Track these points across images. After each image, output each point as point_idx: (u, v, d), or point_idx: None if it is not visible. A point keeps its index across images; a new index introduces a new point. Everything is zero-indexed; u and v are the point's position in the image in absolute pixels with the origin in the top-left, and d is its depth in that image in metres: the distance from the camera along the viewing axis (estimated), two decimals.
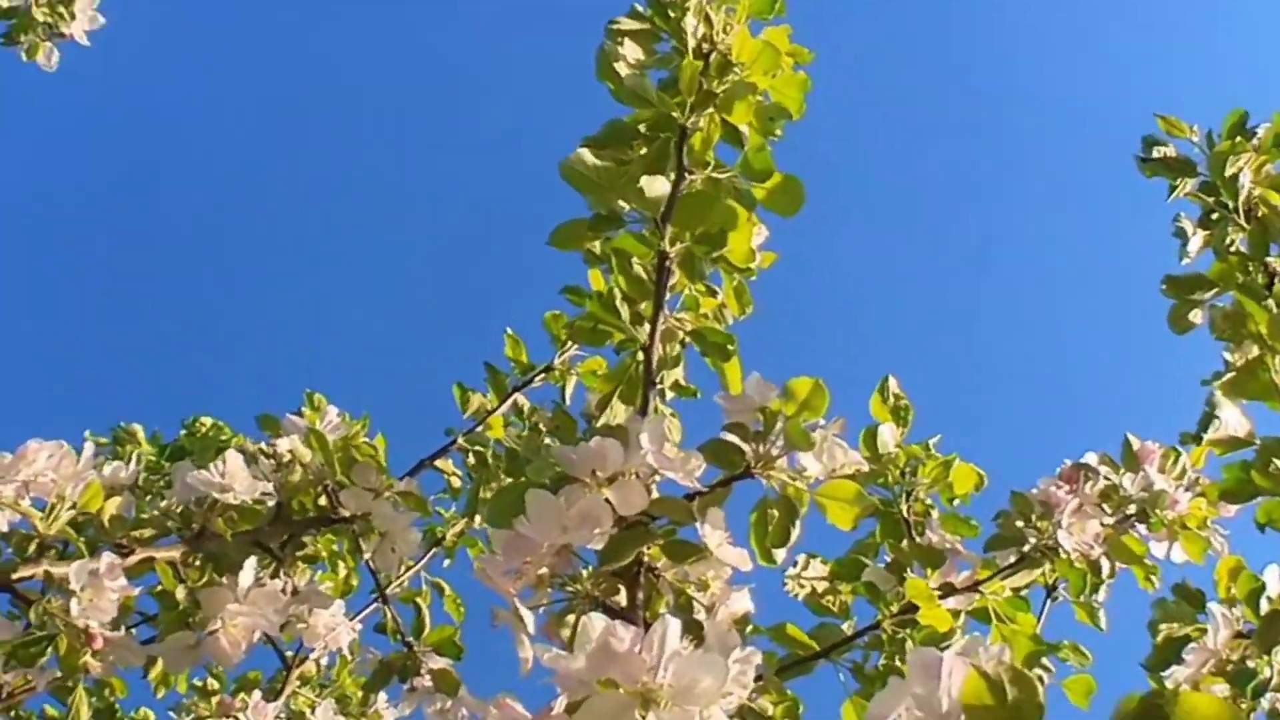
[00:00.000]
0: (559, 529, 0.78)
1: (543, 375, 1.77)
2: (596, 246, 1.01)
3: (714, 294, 1.03)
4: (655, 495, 0.83)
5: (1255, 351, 1.24)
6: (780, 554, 0.90)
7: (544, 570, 0.80)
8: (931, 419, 1.62)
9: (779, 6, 1.01)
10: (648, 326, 0.97)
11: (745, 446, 0.86)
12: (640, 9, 0.97)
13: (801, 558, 1.68)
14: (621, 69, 0.93)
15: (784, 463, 0.88)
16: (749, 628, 1.36)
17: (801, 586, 1.69)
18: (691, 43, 0.94)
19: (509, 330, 1.81)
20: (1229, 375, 1.25)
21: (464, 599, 1.67)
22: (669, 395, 1.03)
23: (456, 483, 1.82)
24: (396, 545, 1.43)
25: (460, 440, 1.76)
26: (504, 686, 0.81)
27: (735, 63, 0.95)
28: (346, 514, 1.43)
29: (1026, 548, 1.45)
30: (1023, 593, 1.50)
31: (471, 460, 1.77)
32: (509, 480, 1.60)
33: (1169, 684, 1.16)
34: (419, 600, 1.60)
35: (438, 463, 1.77)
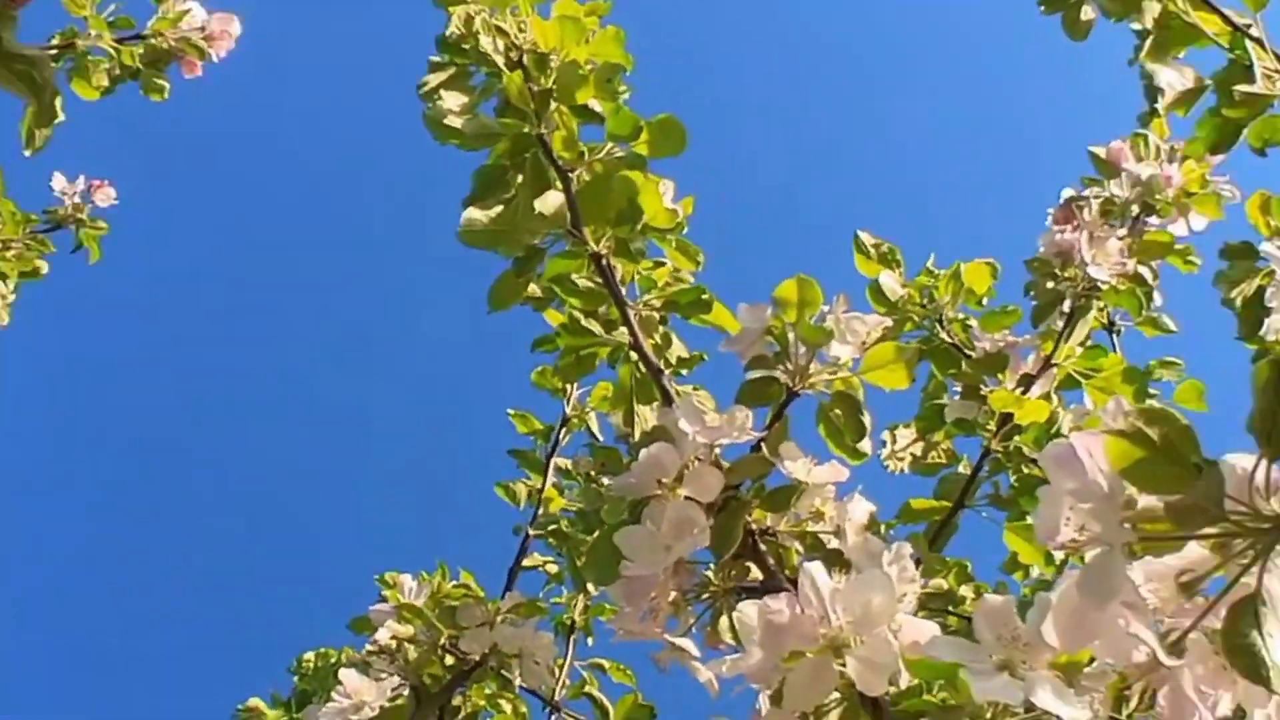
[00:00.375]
0: (662, 551, 0.76)
1: (564, 429, 1.76)
2: (536, 290, 0.99)
3: (661, 264, 1.01)
4: (725, 465, 0.81)
5: (1156, 7, 1.22)
6: (865, 445, 0.88)
7: (673, 594, 0.78)
8: (912, 250, 1.61)
9: None
10: (623, 327, 0.94)
11: (774, 373, 0.84)
12: (436, 59, 0.94)
13: (885, 435, 1.66)
14: (454, 121, 0.91)
15: (817, 364, 0.86)
16: (882, 527, 1.34)
17: (900, 460, 1.67)
18: (499, 59, 0.92)
19: (510, 411, 1.80)
20: (1147, 42, 1.23)
21: (626, 662, 1.65)
22: (682, 373, 1.01)
23: (553, 568, 1.80)
24: (536, 657, 1.42)
25: (531, 531, 1.75)
26: (707, 714, 0.80)
27: (547, 52, 0.93)
28: (476, 658, 1.42)
29: (1068, 304, 1.44)
30: (1088, 343, 1.48)
31: (553, 541, 1.76)
32: (593, 536, 1.58)
33: (1272, 337, 1.14)
34: (588, 690, 1.59)
35: (525, 563, 1.76)
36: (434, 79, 0.93)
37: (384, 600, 1.50)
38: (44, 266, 1.90)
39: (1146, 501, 0.44)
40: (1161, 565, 0.45)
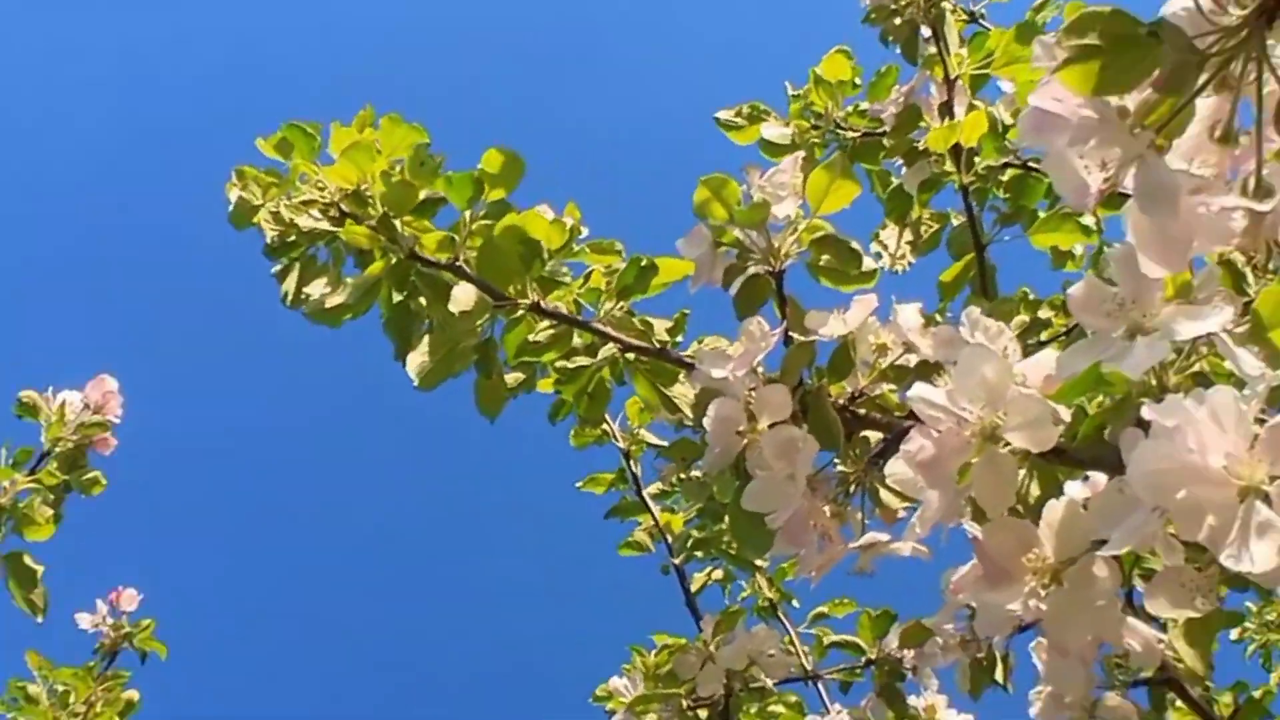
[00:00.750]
0: (788, 483, 0.74)
1: (631, 461, 1.75)
2: (517, 376, 0.97)
3: (586, 281, 0.99)
4: (772, 376, 0.79)
5: None
6: (868, 264, 0.86)
7: (826, 509, 0.76)
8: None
9: (315, 131, 0.97)
10: (605, 343, 0.92)
11: (750, 271, 0.82)
12: (276, 268, 0.92)
13: (874, 247, 1.65)
14: (333, 301, 0.89)
15: (776, 238, 0.84)
16: (937, 316, 1.31)
17: (902, 258, 1.66)
18: (325, 225, 0.90)
19: (578, 485, 1.79)
20: None
21: (838, 594, 1.64)
22: (680, 339, 0.98)
23: (718, 573, 1.79)
24: (767, 651, 1.41)
25: (676, 561, 1.74)
26: (936, 574, 0.78)
27: (356, 187, 0.91)
28: (721, 692, 1.41)
29: (925, 28, 1.42)
30: (967, 42, 1.46)
31: (699, 553, 1.75)
32: (724, 524, 1.58)
33: None
34: (829, 642, 1.59)
35: (694, 589, 1.75)
36: (289, 283, 0.91)
37: (612, 713, 1.49)
38: (134, 694, 1.87)
39: (1135, 99, 0.42)
40: (1191, 139, 0.43)
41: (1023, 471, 0.64)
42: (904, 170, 1.51)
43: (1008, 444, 0.62)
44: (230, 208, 0.98)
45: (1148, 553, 0.69)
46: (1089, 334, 0.62)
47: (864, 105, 1.56)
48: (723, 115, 1.58)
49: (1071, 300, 0.62)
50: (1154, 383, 0.60)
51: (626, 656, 1.54)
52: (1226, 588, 0.61)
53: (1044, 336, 1.53)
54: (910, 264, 1.66)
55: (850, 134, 1.56)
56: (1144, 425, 0.55)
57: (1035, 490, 0.65)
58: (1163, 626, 0.74)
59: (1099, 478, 0.63)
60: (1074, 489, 0.63)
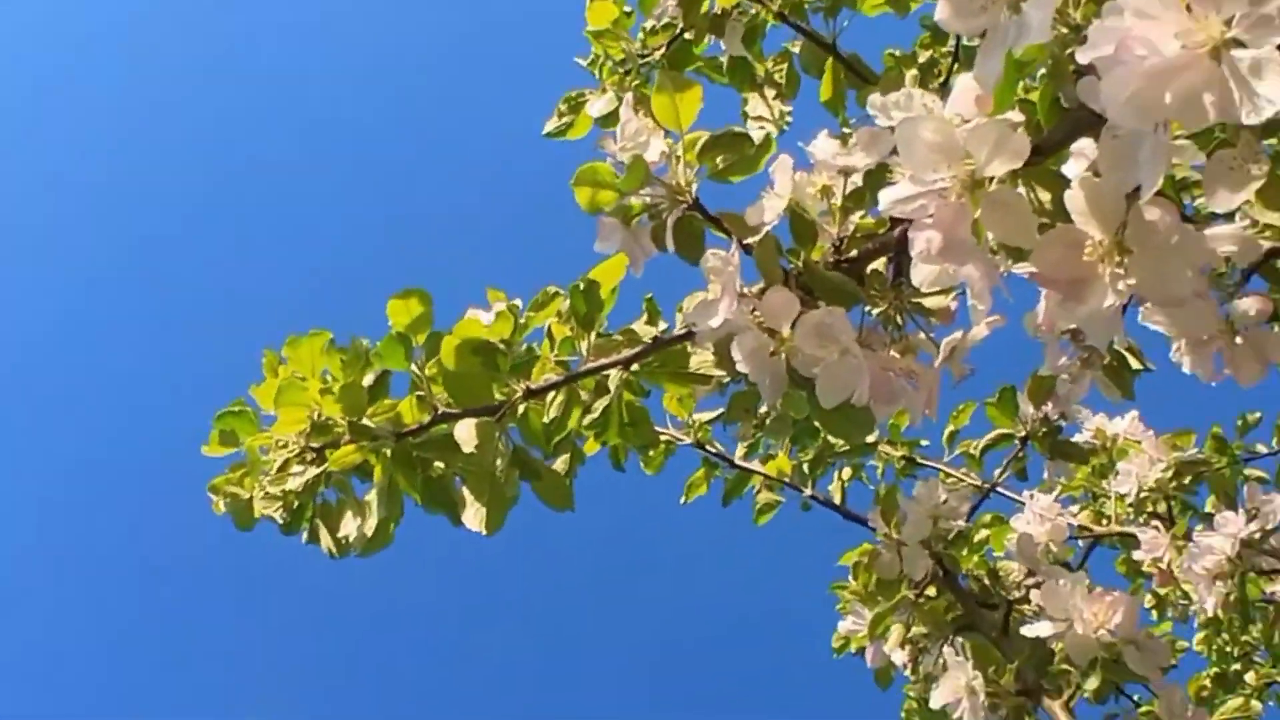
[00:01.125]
0: (847, 359, 0.71)
1: (704, 447, 1.73)
2: (563, 460, 0.95)
3: (553, 340, 0.96)
4: (758, 287, 0.77)
5: None
6: (758, 137, 0.84)
7: (895, 355, 0.74)
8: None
9: (243, 405, 0.95)
10: (606, 374, 0.90)
11: (671, 218, 0.80)
12: (300, 531, 0.90)
13: (752, 126, 1.63)
14: (369, 526, 0.87)
15: (668, 178, 0.82)
16: (846, 133, 1.30)
17: (779, 118, 1.64)
18: (302, 484, 0.88)
19: (682, 502, 1.77)
20: None
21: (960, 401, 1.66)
22: (662, 326, 0.96)
23: (847, 472, 1.79)
24: (938, 501, 1.40)
25: (806, 491, 1.73)
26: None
27: (312, 420, 0.90)
28: (933, 562, 1.39)
29: None
30: None
31: (819, 471, 1.75)
32: (821, 433, 1.57)
33: None
34: (974, 453, 1.57)
35: (837, 502, 1.74)
36: (324, 540, 0.88)
37: (861, 650, 1.48)
38: None
39: None
40: None
41: (1022, 189, 0.62)
42: (722, 44, 1.50)
43: (992, 178, 0.60)
44: (232, 519, 0.96)
45: (1173, 169, 0.67)
46: (979, 40, 0.60)
47: (648, 24, 1.55)
48: (549, 126, 1.56)
49: (943, 21, 0.60)
50: (1066, 31, 0.58)
51: (835, 599, 1.52)
52: (1263, 140, 0.59)
53: (941, 73, 1.52)
54: (790, 114, 1.65)
55: (657, 54, 1.54)
56: (1089, 71, 0.53)
57: (1045, 196, 0.62)
58: (1231, 217, 0.72)
59: (1086, 144, 0.61)
60: (1074, 169, 0.61)
